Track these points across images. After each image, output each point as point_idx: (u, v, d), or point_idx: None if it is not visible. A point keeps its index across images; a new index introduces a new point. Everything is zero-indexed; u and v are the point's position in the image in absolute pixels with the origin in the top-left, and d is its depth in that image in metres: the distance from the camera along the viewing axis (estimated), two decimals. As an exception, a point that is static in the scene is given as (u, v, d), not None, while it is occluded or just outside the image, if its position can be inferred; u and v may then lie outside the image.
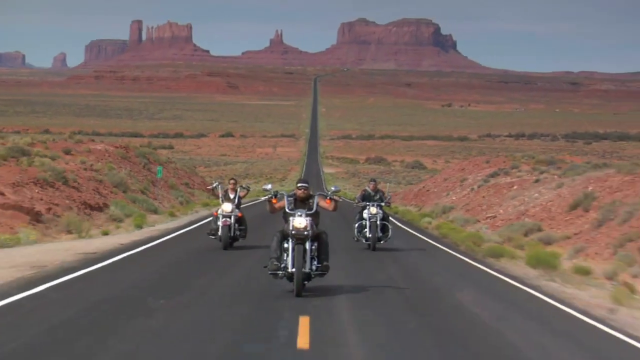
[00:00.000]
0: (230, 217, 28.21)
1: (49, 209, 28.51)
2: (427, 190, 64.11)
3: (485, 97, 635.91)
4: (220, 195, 29.08)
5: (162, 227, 37.79)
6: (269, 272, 18.16)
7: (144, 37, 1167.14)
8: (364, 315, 16.11)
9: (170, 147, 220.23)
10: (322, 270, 18.35)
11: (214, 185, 30.65)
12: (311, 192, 18.63)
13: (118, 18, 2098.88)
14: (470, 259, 28.68)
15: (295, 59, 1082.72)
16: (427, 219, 41.88)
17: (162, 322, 15.09)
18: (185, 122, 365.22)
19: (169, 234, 33.66)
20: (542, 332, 14.73)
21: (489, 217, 38.14)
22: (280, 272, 18.14)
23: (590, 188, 32.05)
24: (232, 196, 28.83)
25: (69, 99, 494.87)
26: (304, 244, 18.01)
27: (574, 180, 35.70)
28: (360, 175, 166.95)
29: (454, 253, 30.90)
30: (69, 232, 27.92)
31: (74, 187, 33.73)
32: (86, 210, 32.57)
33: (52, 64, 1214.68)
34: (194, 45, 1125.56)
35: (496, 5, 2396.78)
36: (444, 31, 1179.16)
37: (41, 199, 28.97)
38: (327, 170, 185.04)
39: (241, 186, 29.86)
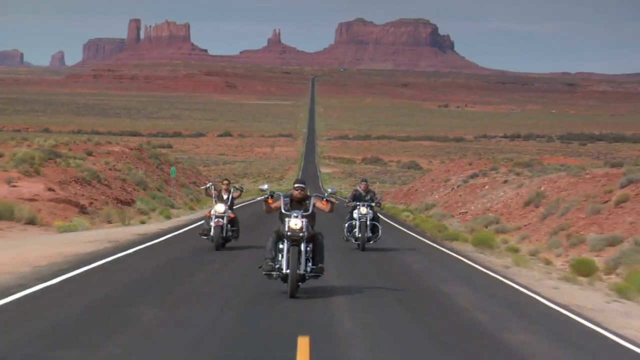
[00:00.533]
0: (222, 218, 28.27)
1: (91, 203, 33.72)
2: (416, 190, 69.45)
3: (482, 98, 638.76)
4: (213, 195, 29.03)
5: (185, 218, 44.45)
6: (263, 273, 18.23)
7: (142, 36, 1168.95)
8: (349, 288, 20.26)
9: (169, 147, 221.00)
10: (317, 272, 18.37)
11: (207, 185, 30.06)
12: (308, 193, 18.68)
13: (116, 17, 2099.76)
14: (431, 241, 37.03)
15: (293, 58, 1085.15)
16: (405, 213, 50.23)
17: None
18: (183, 122, 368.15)
19: (193, 223, 39.73)
20: (462, 282, 23.13)
21: (461, 212, 43.63)
22: (275, 273, 18.15)
23: (542, 188, 37.78)
24: (225, 197, 28.89)
25: (68, 98, 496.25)
26: (299, 245, 18.01)
27: (532, 181, 41.06)
28: (356, 175, 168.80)
29: (421, 238, 38.80)
30: (109, 221, 33.02)
31: (105, 185, 38.88)
32: (118, 205, 37.86)
33: (50, 63, 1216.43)
34: (192, 44, 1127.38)
35: (494, 5, 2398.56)
36: (441, 31, 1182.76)
37: (83, 195, 34.11)
38: (324, 170, 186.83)
39: (234, 187, 29.92)
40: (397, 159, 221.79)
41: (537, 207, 35.23)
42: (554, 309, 19.02)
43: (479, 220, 37.65)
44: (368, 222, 30.51)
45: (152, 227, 35.50)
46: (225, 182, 29.66)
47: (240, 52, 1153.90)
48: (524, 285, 22.77)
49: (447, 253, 31.94)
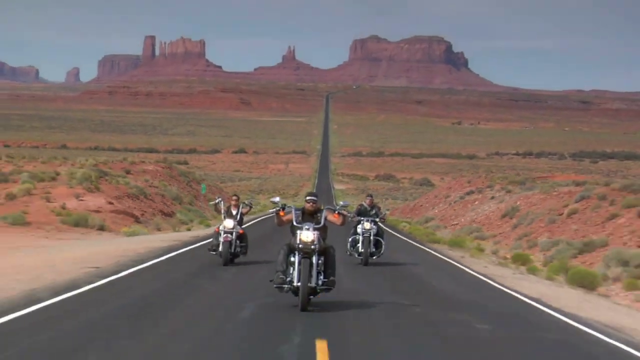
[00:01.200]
0: (231, 234, 28.47)
1: (142, 214, 40.09)
2: (420, 206, 76.20)
3: (495, 115, 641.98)
4: (222, 211, 29.12)
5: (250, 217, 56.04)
6: (275, 286, 18.19)
7: (157, 52, 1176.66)
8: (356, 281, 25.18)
9: (185, 163, 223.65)
10: (328, 285, 18.29)
11: (217, 201, 30.07)
12: (320, 206, 18.72)
13: (131, 33, 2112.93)
14: (418, 243, 45.96)
15: (307, 75, 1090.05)
16: (403, 224, 59.28)
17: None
18: (199, 138, 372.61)
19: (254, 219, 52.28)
20: (428, 265, 32.91)
21: (453, 224, 50.18)
22: (286, 285, 18.08)
23: (518, 203, 44.55)
24: (234, 212, 29.05)
25: (84, 114, 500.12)
26: (310, 258, 17.96)
27: (511, 197, 47.82)
28: (369, 191, 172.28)
29: (410, 241, 47.90)
30: (159, 229, 39.31)
31: (150, 200, 45.23)
32: (163, 216, 44.00)
33: (65, 79, 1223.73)
34: (207, 60, 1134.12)
35: (509, 22, 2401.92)
36: (455, 49, 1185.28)
37: (135, 208, 40.45)
38: (337, 186, 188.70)
39: (243, 202, 30.02)
40: (409, 175, 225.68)
41: (511, 218, 42.26)
42: (476, 276, 29.44)
43: (464, 229, 44.98)
44: (372, 238, 30.98)
45: (200, 232, 42.86)
46: (235, 197, 29.91)
47: (255, 69, 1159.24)
48: (466, 266, 32.98)
49: (426, 251, 41.44)
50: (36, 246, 30.39)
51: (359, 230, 30.95)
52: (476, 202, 54.36)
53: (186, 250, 32.95)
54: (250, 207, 30.46)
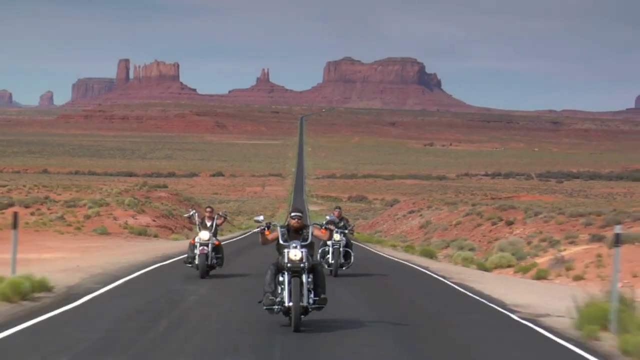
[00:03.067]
0: (207, 245, 28.40)
1: (175, 227, 56.87)
2: (376, 222, 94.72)
3: (467, 137, 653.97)
4: (197, 223, 29.09)
5: (227, 236, 69.11)
6: (264, 308, 17.73)
7: (131, 75, 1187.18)
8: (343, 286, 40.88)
9: (165, 187, 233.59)
10: (320, 304, 17.92)
11: (191, 213, 30.10)
12: (305, 223, 18.22)
13: (105, 57, 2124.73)
14: (364, 245, 60.38)
15: (281, 97, 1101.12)
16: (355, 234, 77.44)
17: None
18: (176, 162, 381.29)
19: (236, 237, 64.48)
20: (358, 251, 40.06)
21: (391, 234, 67.46)
22: (276, 306, 17.65)
23: (432, 218, 61.87)
24: (209, 224, 29.00)
25: (62, 139, 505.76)
26: (300, 276, 17.55)
27: (429, 214, 65.30)
28: (343, 213, 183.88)
29: (359, 244, 61.49)
30: (187, 237, 56.09)
31: (175, 218, 62.06)
32: (186, 229, 60.81)
33: (39, 103, 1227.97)
34: (181, 83, 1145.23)
35: (482, 43, 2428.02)
36: (428, 70, 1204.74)
37: (169, 223, 57.34)
38: (312, 207, 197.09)
39: (218, 214, 29.86)
40: (381, 197, 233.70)
41: (423, 228, 59.23)
42: (378, 254, 48.44)
43: (395, 236, 61.99)
44: (341, 249, 31.43)
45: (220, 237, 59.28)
46: (209, 209, 30.21)
47: (229, 91, 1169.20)
48: (378, 251, 50.97)
49: (361, 246, 55.62)
50: (123, 245, 46.12)
51: (328, 242, 31.19)
52: (409, 218, 72.39)
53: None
54: (225, 218, 30.42)
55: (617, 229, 16.63)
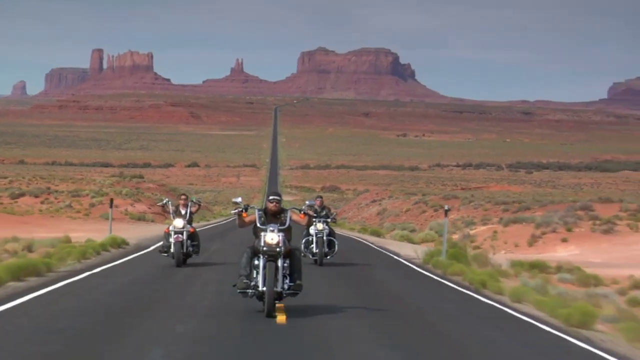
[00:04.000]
0: (182, 233, 28.02)
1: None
2: (344, 211, 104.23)
3: (440, 127, 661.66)
4: (171, 211, 28.89)
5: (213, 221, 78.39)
6: (238, 291, 17.60)
7: (105, 65, 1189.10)
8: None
9: (141, 177, 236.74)
10: (295, 290, 17.69)
11: (164, 201, 30.07)
12: (283, 206, 17.87)
13: (78, 46, 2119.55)
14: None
15: (255, 87, 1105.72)
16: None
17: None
18: (151, 152, 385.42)
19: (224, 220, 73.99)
20: (341, 240, 52.11)
21: (354, 220, 76.92)
22: (250, 290, 17.48)
23: (388, 206, 71.44)
24: (183, 212, 28.67)
25: (37, 130, 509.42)
26: (275, 261, 17.27)
27: (388, 202, 74.99)
28: (318, 193, 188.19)
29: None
30: None
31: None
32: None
33: (12, 92, 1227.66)
34: (155, 73, 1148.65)
35: (455, 34, 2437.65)
36: (402, 60, 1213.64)
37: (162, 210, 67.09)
38: (286, 198, 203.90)
39: (192, 200, 29.50)
40: (353, 187, 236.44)
41: (380, 215, 68.80)
42: (338, 233, 56.32)
43: (356, 222, 71.30)
44: (325, 238, 31.48)
45: (203, 223, 67.76)
46: (183, 197, 29.84)
47: (204, 82, 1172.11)
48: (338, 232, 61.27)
49: (352, 237, 65.08)
50: (128, 228, 54.99)
51: (311, 231, 31.37)
52: (370, 207, 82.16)
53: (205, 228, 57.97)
54: (199, 205, 30.17)
55: (446, 207, 28.38)
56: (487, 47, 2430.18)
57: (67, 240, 32.34)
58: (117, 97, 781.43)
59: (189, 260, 28.93)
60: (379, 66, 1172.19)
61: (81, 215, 61.39)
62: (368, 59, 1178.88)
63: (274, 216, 17.91)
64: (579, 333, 16.83)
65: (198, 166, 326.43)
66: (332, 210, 34.48)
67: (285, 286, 17.76)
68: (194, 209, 29.33)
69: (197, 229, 30.09)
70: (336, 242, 32.42)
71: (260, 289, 17.54)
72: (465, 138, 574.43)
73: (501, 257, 32.92)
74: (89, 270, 26.11)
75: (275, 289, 17.45)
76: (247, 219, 17.98)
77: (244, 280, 17.66)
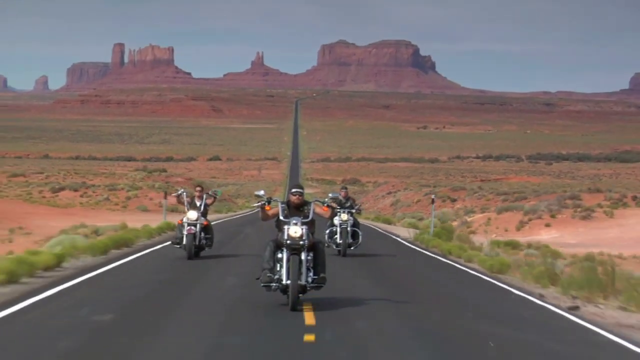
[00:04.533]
0: (195, 226, 27.74)
1: None
2: (361, 202, 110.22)
3: (461, 119, 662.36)
4: (185, 202, 28.61)
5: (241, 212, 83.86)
6: (262, 285, 17.59)
7: (126, 59, 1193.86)
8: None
9: (164, 171, 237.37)
10: (319, 283, 17.72)
11: (180, 192, 29.77)
12: (306, 199, 17.96)
13: (100, 41, 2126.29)
14: None
15: (276, 80, 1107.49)
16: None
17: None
18: (174, 146, 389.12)
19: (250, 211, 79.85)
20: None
21: (369, 211, 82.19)
22: (274, 284, 17.51)
23: (401, 197, 76.69)
24: (198, 203, 28.39)
25: (60, 124, 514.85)
26: (299, 254, 17.37)
27: (402, 194, 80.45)
28: (344, 184, 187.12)
29: None
30: (216, 211, 70.79)
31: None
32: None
33: (34, 87, 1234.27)
34: (176, 67, 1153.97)
35: (475, 26, 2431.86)
36: (423, 52, 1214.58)
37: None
38: (307, 190, 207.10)
39: (207, 193, 29.32)
40: (374, 179, 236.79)
41: (393, 205, 73.96)
42: (362, 223, 61.23)
43: (371, 212, 76.60)
44: (349, 229, 31.53)
45: (230, 213, 73.16)
46: (199, 188, 29.44)
47: (224, 75, 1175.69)
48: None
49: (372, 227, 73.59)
50: (169, 217, 60.16)
51: (335, 221, 31.49)
52: (386, 198, 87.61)
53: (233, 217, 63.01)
54: (215, 198, 29.97)
55: (433, 196, 34.13)
56: (509, 38, 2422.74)
57: (125, 226, 37.70)
58: (139, 92, 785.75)
59: (202, 253, 28.66)
60: (400, 58, 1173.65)
61: (119, 208, 66.83)
62: (388, 51, 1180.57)
63: (297, 209, 17.94)
64: (496, 277, 25.71)
65: (220, 160, 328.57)
66: (357, 202, 34.42)
67: (309, 279, 17.74)
68: (209, 201, 29.01)
69: (223, 219, 35.02)
70: (360, 233, 32.45)
71: (284, 282, 17.56)
72: (485, 130, 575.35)
73: (484, 238, 38.79)
74: (160, 244, 34.22)
75: (299, 282, 17.48)
76: (270, 212, 17.98)
77: (268, 274, 17.62)
